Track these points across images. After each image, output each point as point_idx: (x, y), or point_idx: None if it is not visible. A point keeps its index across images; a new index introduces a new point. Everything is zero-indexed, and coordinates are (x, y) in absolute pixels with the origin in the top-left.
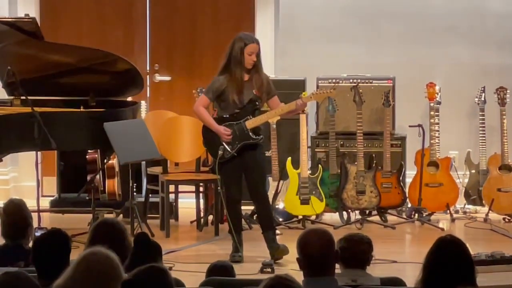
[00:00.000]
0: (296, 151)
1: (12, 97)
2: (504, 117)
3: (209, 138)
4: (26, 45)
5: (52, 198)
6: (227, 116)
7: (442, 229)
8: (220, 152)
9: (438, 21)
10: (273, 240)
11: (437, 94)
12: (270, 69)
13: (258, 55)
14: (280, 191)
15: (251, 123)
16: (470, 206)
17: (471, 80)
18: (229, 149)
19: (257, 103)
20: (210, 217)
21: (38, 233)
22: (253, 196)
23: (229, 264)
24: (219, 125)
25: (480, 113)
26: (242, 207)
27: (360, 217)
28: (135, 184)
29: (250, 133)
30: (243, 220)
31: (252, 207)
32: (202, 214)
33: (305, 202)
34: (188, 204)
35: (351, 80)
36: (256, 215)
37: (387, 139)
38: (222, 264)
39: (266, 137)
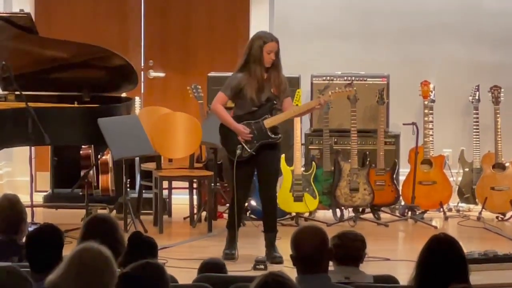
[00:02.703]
0: (290, 148)
1: (6, 92)
2: (498, 115)
3: (227, 136)
4: (21, 40)
5: (45, 194)
6: (244, 114)
7: (435, 227)
8: (238, 152)
9: (432, 19)
10: (272, 244)
11: (431, 92)
12: None
13: (277, 53)
14: None
15: (269, 122)
16: (464, 205)
17: (466, 79)
18: (247, 148)
19: (275, 101)
20: (204, 214)
21: (31, 228)
22: (263, 195)
23: (221, 261)
24: (238, 124)
25: (474, 111)
26: None
27: (353, 214)
28: (128, 180)
29: (269, 132)
30: None
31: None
32: (195, 211)
33: (298, 199)
34: (181, 200)
35: (345, 78)
36: (249, 212)
37: (381, 136)
38: (214, 261)
39: None
